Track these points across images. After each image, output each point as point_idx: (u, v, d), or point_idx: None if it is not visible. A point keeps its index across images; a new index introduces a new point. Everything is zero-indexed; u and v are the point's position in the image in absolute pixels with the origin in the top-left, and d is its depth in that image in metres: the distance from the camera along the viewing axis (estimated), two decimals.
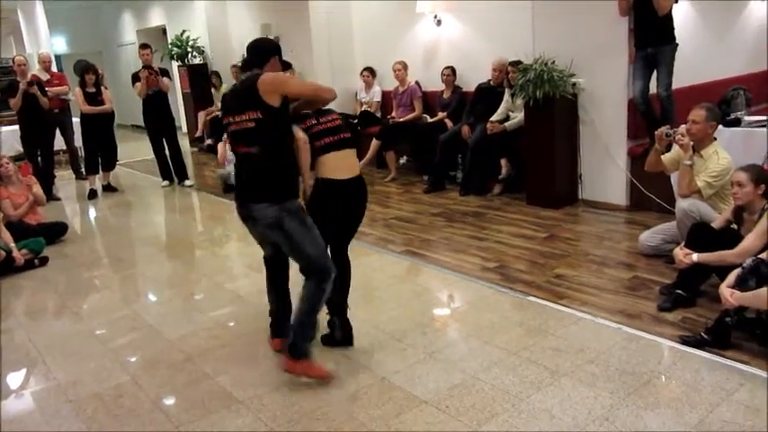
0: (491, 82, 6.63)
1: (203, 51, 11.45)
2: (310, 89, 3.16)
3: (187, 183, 8.20)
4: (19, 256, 5.12)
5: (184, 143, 10.66)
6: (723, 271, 3.28)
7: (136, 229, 6.57)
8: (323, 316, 3.70)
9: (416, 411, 2.79)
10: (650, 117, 5.28)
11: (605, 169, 5.71)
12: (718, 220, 3.75)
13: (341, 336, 3.40)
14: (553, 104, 5.55)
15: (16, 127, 8.19)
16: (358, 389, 3.00)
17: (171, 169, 8.24)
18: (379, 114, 7.96)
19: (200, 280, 4.82)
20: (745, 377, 2.87)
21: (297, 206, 2.97)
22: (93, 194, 7.89)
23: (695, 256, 3.46)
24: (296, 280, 3.37)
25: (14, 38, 14.03)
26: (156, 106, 7.80)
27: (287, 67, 3.22)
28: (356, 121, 7.76)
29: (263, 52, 3.05)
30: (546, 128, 5.72)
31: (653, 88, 5.28)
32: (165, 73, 7.92)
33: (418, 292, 4.23)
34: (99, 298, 4.60)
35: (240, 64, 3.18)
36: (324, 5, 8.44)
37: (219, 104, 10.78)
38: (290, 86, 2.97)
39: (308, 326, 3.07)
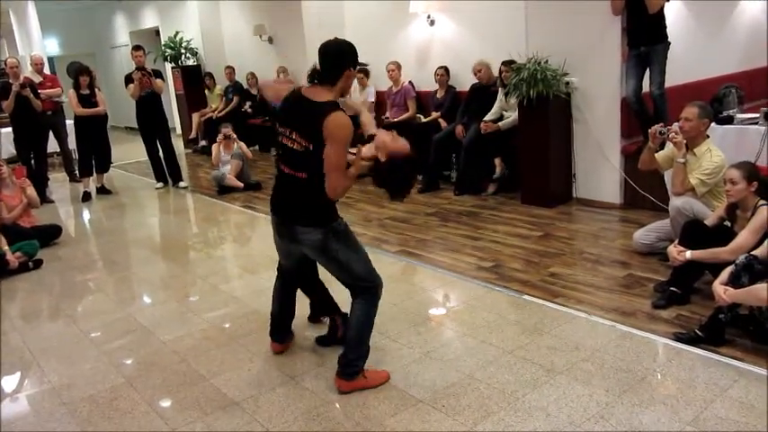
0: (482, 82, 6.65)
1: (197, 53, 11.44)
2: (332, 171, 2.70)
3: (181, 184, 8.18)
4: (13, 258, 5.09)
5: (178, 145, 10.64)
6: (716, 268, 3.29)
7: (130, 231, 6.54)
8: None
9: (412, 410, 2.79)
10: (643, 115, 5.30)
11: (599, 168, 5.73)
12: (711, 217, 3.77)
13: (344, 333, 3.28)
14: (547, 104, 5.56)
15: (9, 129, 8.16)
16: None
17: (165, 171, 8.22)
18: (372, 115, 7.96)
19: (194, 282, 4.80)
20: (740, 373, 2.88)
21: (343, 227, 2.89)
22: (86, 197, 7.86)
23: (689, 254, 3.47)
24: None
25: (6, 40, 13.97)
26: (149, 108, 7.78)
27: (364, 73, 2.85)
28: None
29: (338, 62, 2.73)
30: (540, 127, 5.73)
31: (646, 87, 5.31)
32: (159, 74, 7.90)
33: (413, 292, 4.23)
34: (93, 300, 4.58)
35: (309, 72, 2.91)
36: (316, 6, 8.45)
37: (213, 105, 10.81)
38: (331, 152, 2.65)
39: (365, 344, 2.98)
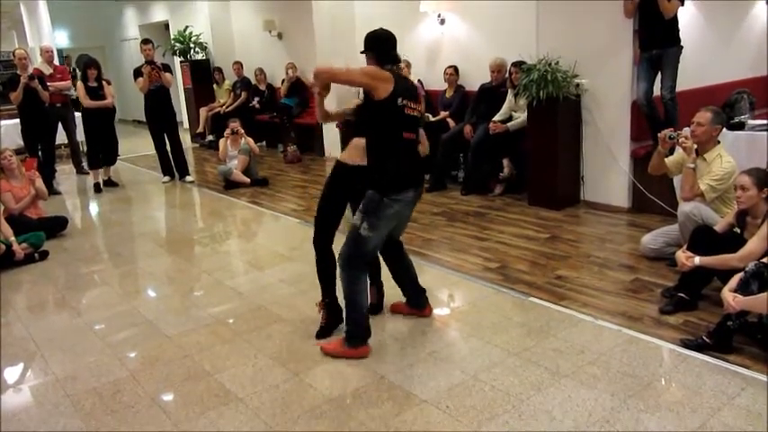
0: (493, 82, 6.63)
1: (206, 47, 11.44)
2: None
3: (188, 178, 8.19)
4: (19, 249, 5.11)
5: (186, 139, 10.66)
6: (725, 275, 3.27)
7: (136, 224, 6.55)
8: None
9: (416, 411, 2.78)
10: (654, 119, 5.27)
11: (608, 171, 5.69)
12: (720, 223, 3.74)
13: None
14: (556, 105, 5.54)
15: (17, 121, 8.18)
16: (357, 387, 2.99)
17: (172, 165, 8.24)
18: None
19: (199, 276, 4.80)
20: (747, 381, 2.86)
21: None
22: (97, 189, 7.87)
23: (697, 260, 3.45)
24: None
25: (17, 32, 13.99)
26: (157, 102, 7.80)
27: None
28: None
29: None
30: (549, 128, 5.70)
31: (657, 90, 5.27)
32: (168, 68, 7.91)
33: None
34: (98, 293, 4.59)
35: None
36: (326, 2, 8.42)
37: (221, 100, 10.81)
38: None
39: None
